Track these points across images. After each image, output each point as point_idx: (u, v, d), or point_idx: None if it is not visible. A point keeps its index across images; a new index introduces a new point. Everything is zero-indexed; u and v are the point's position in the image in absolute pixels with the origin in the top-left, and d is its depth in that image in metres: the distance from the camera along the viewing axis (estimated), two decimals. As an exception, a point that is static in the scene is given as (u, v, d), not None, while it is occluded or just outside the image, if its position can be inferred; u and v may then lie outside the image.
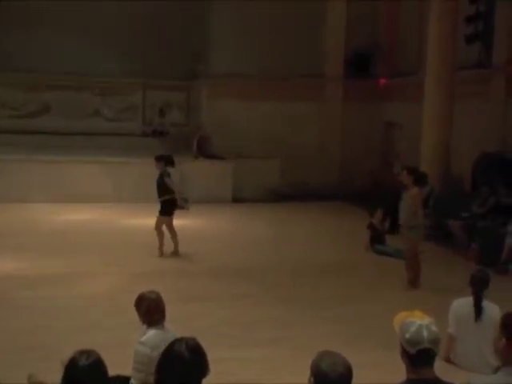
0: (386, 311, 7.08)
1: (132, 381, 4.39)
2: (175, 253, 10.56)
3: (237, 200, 16.24)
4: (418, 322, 2.99)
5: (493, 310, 5.99)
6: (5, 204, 14.06)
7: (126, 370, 4.48)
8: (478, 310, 6.08)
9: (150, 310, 4.49)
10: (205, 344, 2.95)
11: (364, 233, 11.72)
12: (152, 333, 4.41)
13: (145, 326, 4.53)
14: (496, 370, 3.56)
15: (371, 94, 18.32)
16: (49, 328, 6.97)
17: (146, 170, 15.84)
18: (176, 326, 4.62)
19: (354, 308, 8.13)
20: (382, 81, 18.50)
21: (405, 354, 3.00)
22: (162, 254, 10.43)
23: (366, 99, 18.28)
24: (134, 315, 4.74)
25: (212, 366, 2.92)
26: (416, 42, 16.63)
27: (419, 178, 8.91)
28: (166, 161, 10.67)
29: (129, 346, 4.68)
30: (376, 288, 9.11)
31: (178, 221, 13.39)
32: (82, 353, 3.07)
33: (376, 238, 11.63)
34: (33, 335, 6.73)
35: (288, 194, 16.70)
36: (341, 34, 18.21)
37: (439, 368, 3.12)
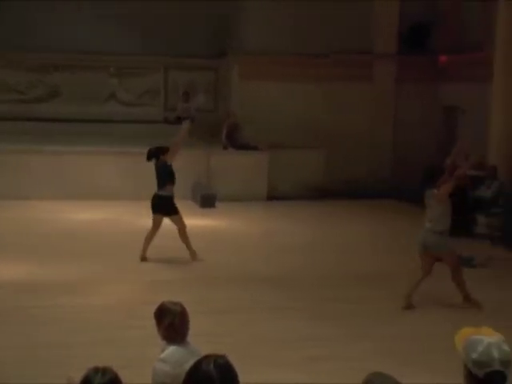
0: (444, 329, 6.94)
1: (151, 402, 4.37)
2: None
3: (272, 197, 16.11)
4: (486, 339, 2.91)
5: None
6: (5, 201, 14.01)
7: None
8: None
9: (174, 326, 4.42)
10: (235, 363, 2.91)
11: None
12: (173, 348, 4.36)
13: (164, 342, 4.47)
14: None
15: (429, 73, 18.01)
16: (57, 342, 7.01)
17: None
18: (200, 343, 4.55)
19: (405, 325, 8.01)
20: (443, 58, 18.15)
21: (470, 377, 2.91)
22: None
23: (422, 80, 17.98)
24: (152, 329, 4.70)
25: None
26: (482, 11, 16.31)
27: None
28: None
29: (146, 364, 4.63)
30: (436, 301, 8.97)
31: (202, 221, 13.43)
32: (97, 370, 3.10)
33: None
34: (40, 350, 6.77)
35: (332, 190, 16.56)
36: (394, 3, 17.83)
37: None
